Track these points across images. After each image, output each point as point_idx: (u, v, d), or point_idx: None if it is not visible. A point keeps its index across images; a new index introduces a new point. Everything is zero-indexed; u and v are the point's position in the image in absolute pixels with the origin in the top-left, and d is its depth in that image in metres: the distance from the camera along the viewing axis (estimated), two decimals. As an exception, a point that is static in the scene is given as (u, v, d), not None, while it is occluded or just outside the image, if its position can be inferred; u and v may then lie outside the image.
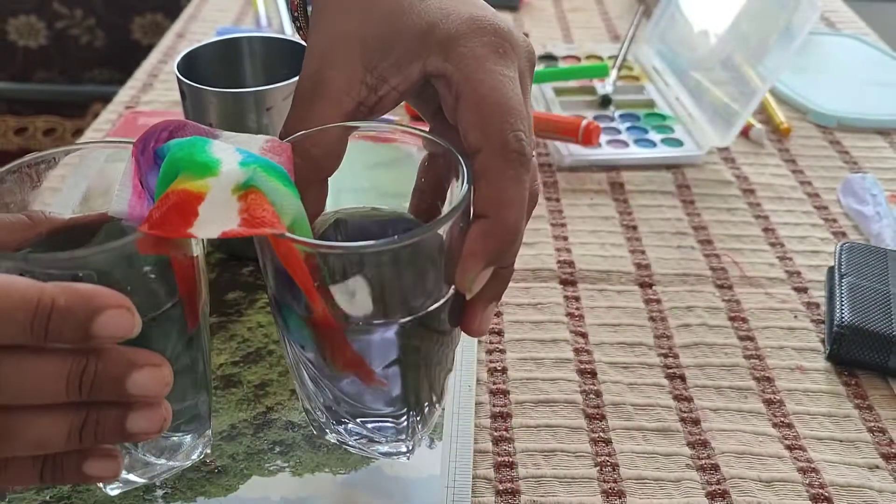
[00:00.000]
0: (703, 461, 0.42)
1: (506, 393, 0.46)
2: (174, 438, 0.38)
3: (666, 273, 0.55)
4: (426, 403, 0.37)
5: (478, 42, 0.35)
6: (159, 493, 0.39)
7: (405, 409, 0.36)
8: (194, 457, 0.39)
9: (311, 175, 0.35)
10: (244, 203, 0.31)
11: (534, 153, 0.35)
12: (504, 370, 0.47)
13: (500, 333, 0.50)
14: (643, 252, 0.56)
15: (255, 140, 0.34)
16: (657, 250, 0.57)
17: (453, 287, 0.34)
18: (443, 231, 0.33)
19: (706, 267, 0.55)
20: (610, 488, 0.40)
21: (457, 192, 0.34)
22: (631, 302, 0.52)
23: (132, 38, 1.56)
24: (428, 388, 0.36)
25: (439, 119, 0.37)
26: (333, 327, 0.32)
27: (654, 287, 0.54)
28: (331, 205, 0.38)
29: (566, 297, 0.52)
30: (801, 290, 0.53)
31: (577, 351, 0.48)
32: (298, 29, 0.42)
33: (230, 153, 0.32)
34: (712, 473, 0.41)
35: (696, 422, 0.44)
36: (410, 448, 0.39)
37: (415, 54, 0.35)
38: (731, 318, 0.51)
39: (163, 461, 0.38)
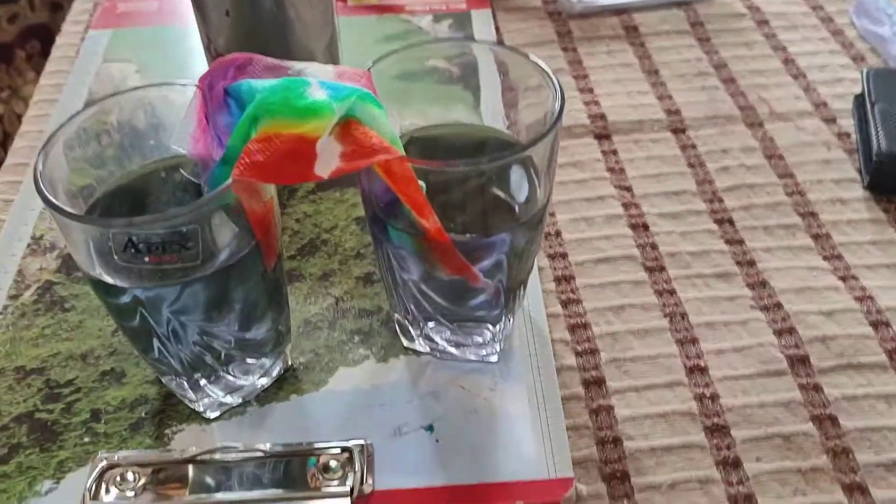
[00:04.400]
0: (766, 301, 0.44)
1: (564, 255, 0.46)
2: (264, 360, 0.38)
3: (696, 117, 0.55)
4: (518, 300, 0.37)
5: None
6: (253, 399, 0.40)
7: (503, 308, 0.37)
8: (276, 372, 0.40)
9: None
10: (349, 135, 0.30)
11: None
12: (558, 233, 0.47)
13: (544, 196, 0.50)
14: (670, 97, 0.56)
15: (326, 70, 0.33)
16: (683, 94, 0.56)
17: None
18: (549, 139, 0.33)
19: (734, 106, 0.55)
20: (683, 336, 0.42)
21: (552, 102, 0.34)
22: (667, 150, 0.52)
23: None
24: (523, 285, 0.37)
25: None
26: (445, 242, 0.32)
27: (686, 132, 0.54)
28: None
29: (604, 153, 0.52)
30: (830, 120, 0.54)
31: (625, 206, 0.49)
32: None
33: (322, 91, 0.31)
34: (776, 311, 0.43)
35: (752, 263, 0.46)
36: (500, 349, 0.40)
37: None
38: (768, 157, 0.52)
39: (252, 379, 0.38)
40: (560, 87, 0.34)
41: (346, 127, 0.31)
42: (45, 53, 1.26)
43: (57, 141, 0.33)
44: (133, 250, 0.30)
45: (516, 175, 0.34)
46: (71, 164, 0.33)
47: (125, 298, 0.33)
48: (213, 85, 0.34)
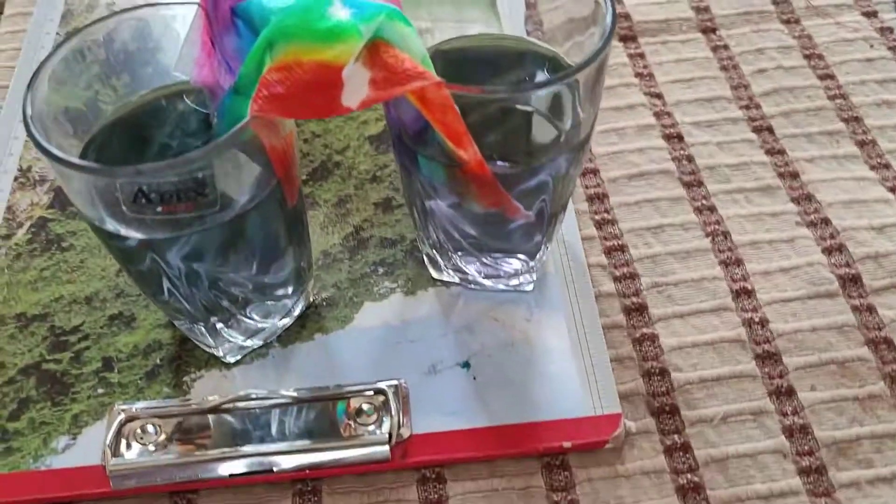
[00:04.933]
0: (812, 216, 0.41)
1: (595, 172, 0.43)
2: (285, 301, 0.35)
3: (727, 14, 0.51)
4: (557, 227, 0.35)
5: None
6: (275, 340, 0.37)
7: (542, 238, 0.34)
8: (298, 311, 0.37)
9: None
10: (378, 59, 0.27)
11: None
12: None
13: (569, 106, 0.46)
14: (698, -8, 0.52)
15: None
16: (712, -12, 0.52)
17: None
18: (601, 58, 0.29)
19: (768, 1, 0.51)
20: (727, 258, 0.40)
21: (603, 14, 0.30)
22: (698, 52, 0.49)
23: None
24: (562, 210, 0.34)
25: None
26: (486, 174, 0.29)
27: (717, 32, 0.50)
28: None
29: (630, 56, 0.49)
30: (871, 14, 0.50)
31: (657, 115, 0.46)
32: None
33: (345, 9, 0.27)
34: (824, 227, 0.40)
35: (795, 175, 0.43)
36: (535, 279, 0.37)
37: None
38: (807, 57, 0.48)
39: (273, 321, 0.36)
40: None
41: (375, 50, 0.28)
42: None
43: (43, 77, 0.29)
44: (144, 200, 0.26)
45: (562, 96, 0.31)
46: (63, 100, 0.30)
47: (132, 244, 0.30)
48: (218, 4, 0.30)
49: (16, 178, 0.43)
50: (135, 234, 0.29)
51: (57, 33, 0.50)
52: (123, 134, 0.32)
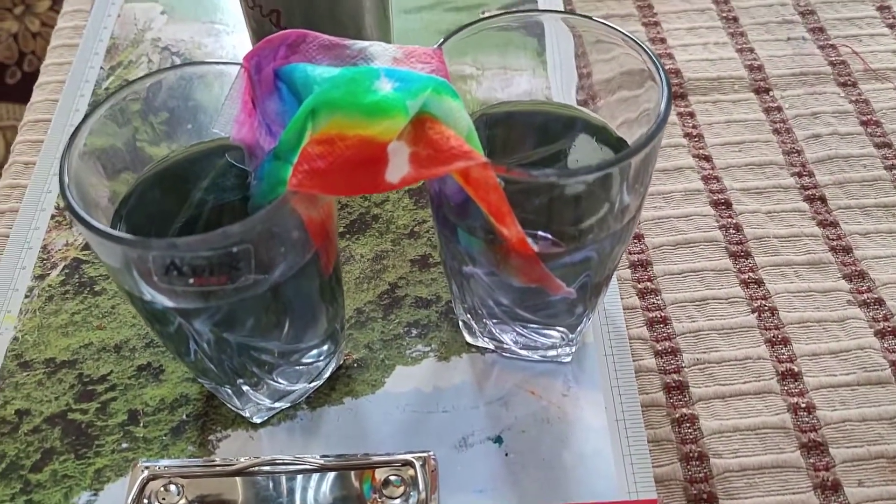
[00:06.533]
0: (865, 295, 0.39)
1: (639, 238, 0.42)
2: (317, 364, 0.35)
3: (782, 74, 0.49)
4: (599, 300, 0.33)
5: None
6: (304, 402, 0.36)
7: (583, 312, 0.33)
8: (328, 373, 0.36)
9: None
10: (423, 136, 0.26)
11: None
12: (632, 211, 0.43)
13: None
14: (752, 50, 0.50)
15: (388, 49, 0.29)
16: (766, 46, 0.51)
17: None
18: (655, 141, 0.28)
19: (824, 62, 0.50)
20: (773, 336, 0.38)
21: (658, 97, 0.29)
22: (750, 113, 0.47)
23: None
24: (605, 284, 0.33)
25: None
26: (529, 254, 0.28)
27: (771, 92, 0.48)
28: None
29: (680, 115, 0.47)
30: (932, 79, 0.49)
31: (705, 179, 0.44)
32: None
33: (390, 83, 0.26)
34: (878, 308, 0.39)
35: (848, 250, 0.41)
36: (573, 351, 0.36)
37: None
38: (864, 123, 0.47)
39: (302, 385, 0.35)
40: (667, 79, 0.29)
41: (420, 125, 0.27)
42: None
43: (82, 137, 0.28)
44: (176, 273, 0.26)
45: (611, 176, 0.30)
46: (100, 157, 0.29)
47: (159, 307, 0.29)
48: (262, 66, 0.29)
49: (52, 217, 0.43)
50: (164, 302, 0.28)
51: (101, 67, 0.50)
52: (161, 187, 0.31)
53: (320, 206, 0.28)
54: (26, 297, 0.40)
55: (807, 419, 0.35)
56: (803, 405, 0.36)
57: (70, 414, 0.36)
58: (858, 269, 0.40)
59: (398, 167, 0.27)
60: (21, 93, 1.09)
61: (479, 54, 0.34)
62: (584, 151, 0.33)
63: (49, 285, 0.40)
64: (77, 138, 0.28)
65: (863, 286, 0.40)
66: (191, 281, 0.26)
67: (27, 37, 1.17)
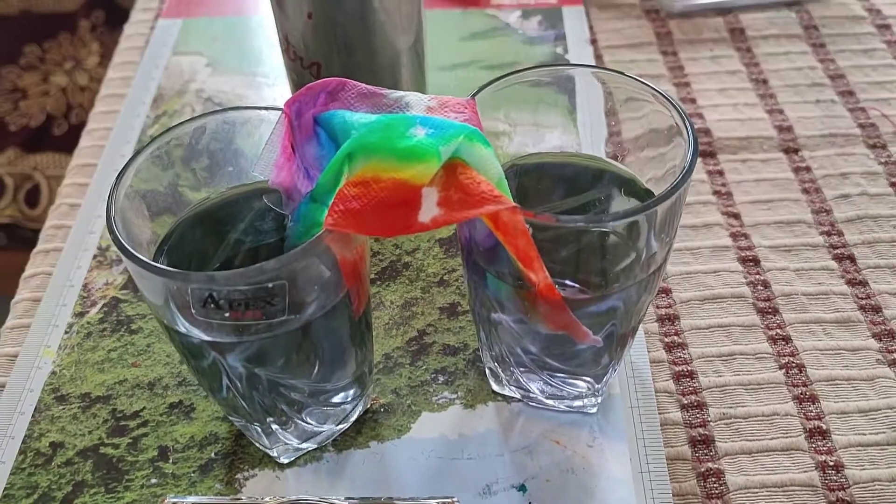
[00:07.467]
0: (895, 355, 0.39)
1: (667, 292, 0.42)
2: (343, 406, 0.35)
3: (811, 135, 0.50)
4: (626, 351, 0.34)
5: None
6: (330, 444, 0.37)
7: (610, 362, 0.33)
8: (355, 416, 0.37)
9: None
10: (454, 180, 0.27)
11: None
12: (660, 265, 0.44)
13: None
14: (781, 111, 0.51)
15: (423, 99, 0.30)
16: (796, 108, 0.51)
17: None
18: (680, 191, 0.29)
19: (853, 124, 0.50)
20: (801, 393, 0.38)
21: (684, 149, 0.30)
22: (779, 172, 0.48)
23: None
24: (632, 334, 0.33)
25: None
26: (556, 300, 0.28)
27: (800, 153, 0.49)
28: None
29: (709, 173, 0.48)
30: (963, 143, 0.49)
31: (733, 236, 0.45)
32: None
33: (425, 129, 0.27)
34: (907, 368, 0.39)
35: (878, 309, 0.41)
36: (599, 402, 0.36)
37: None
38: (893, 185, 0.47)
39: (329, 426, 0.36)
40: (694, 133, 0.30)
41: (451, 170, 0.28)
42: (109, 23, 1.24)
43: (129, 176, 0.30)
44: (213, 306, 0.27)
45: (639, 224, 0.30)
46: (144, 198, 0.31)
47: (195, 341, 0.30)
48: (302, 112, 0.31)
49: (94, 257, 0.45)
50: (199, 335, 0.29)
51: (147, 116, 0.52)
52: (200, 228, 0.33)
53: (354, 248, 0.29)
54: (66, 333, 0.41)
55: (835, 477, 0.35)
56: (831, 463, 0.35)
57: (102, 448, 0.37)
58: (888, 328, 0.40)
59: (430, 210, 0.27)
60: (66, 143, 1.13)
61: (511, 110, 0.35)
62: (611, 202, 0.34)
63: (88, 322, 0.42)
64: (124, 178, 0.30)
65: (892, 346, 0.40)
66: (227, 314, 0.27)
67: (75, 91, 1.21)
